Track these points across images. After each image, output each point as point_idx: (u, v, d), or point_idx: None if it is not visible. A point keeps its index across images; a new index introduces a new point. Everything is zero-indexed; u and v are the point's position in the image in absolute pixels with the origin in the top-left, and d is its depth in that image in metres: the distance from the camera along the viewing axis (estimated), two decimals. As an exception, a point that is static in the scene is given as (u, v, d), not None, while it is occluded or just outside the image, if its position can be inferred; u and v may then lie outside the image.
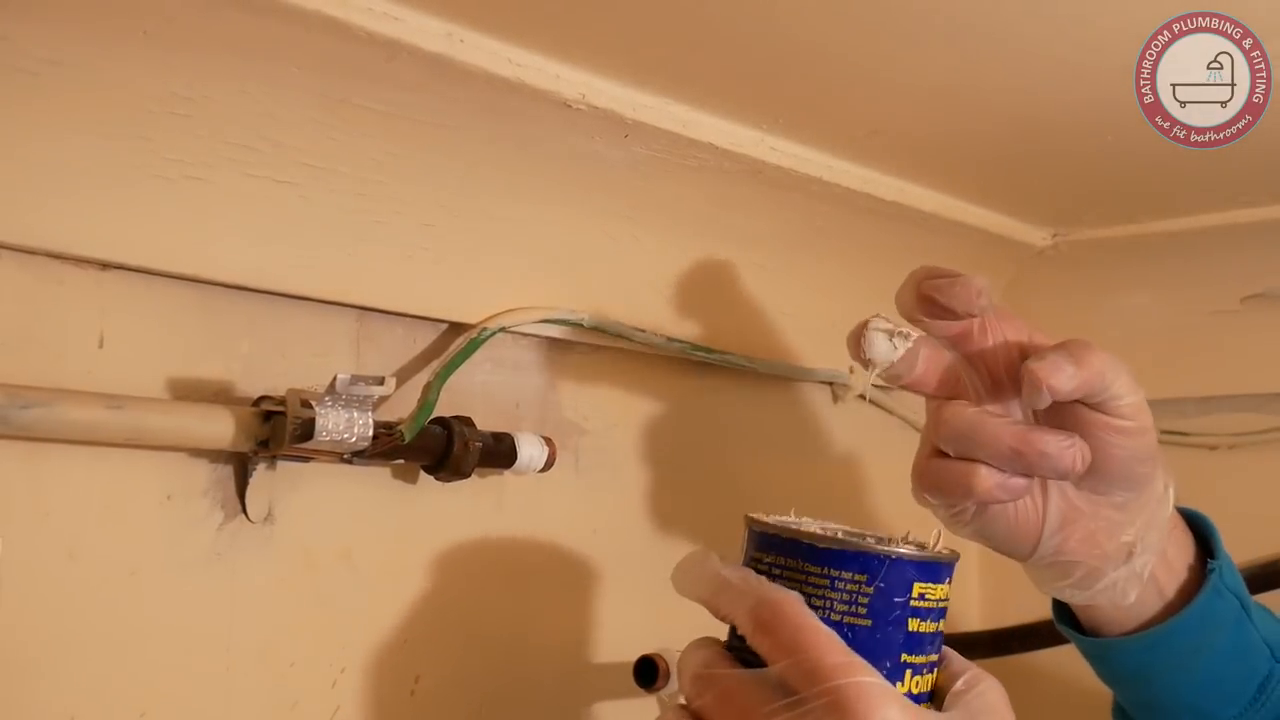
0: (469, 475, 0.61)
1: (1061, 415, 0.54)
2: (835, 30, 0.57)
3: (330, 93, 0.54)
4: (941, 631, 0.48)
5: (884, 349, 0.53)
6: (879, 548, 0.46)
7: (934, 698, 0.48)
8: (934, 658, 0.48)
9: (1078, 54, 0.60)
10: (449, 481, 0.61)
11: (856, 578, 0.45)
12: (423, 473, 0.62)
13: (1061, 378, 0.52)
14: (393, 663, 0.61)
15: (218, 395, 0.55)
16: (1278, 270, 0.87)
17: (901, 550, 0.46)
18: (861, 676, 0.43)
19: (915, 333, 0.54)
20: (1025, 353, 0.54)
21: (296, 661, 0.57)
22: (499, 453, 0.63)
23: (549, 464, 0.64)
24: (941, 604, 0.47)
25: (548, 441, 0.65)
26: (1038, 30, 0.57)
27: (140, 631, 0.52)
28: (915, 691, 0.46)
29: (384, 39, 0.51)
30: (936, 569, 0.47)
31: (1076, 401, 0.53)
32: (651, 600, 0.74)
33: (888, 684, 0.44)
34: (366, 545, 0.61)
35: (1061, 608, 0.63)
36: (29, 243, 0.50)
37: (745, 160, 0.68)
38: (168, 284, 0.54)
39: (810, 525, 0.49)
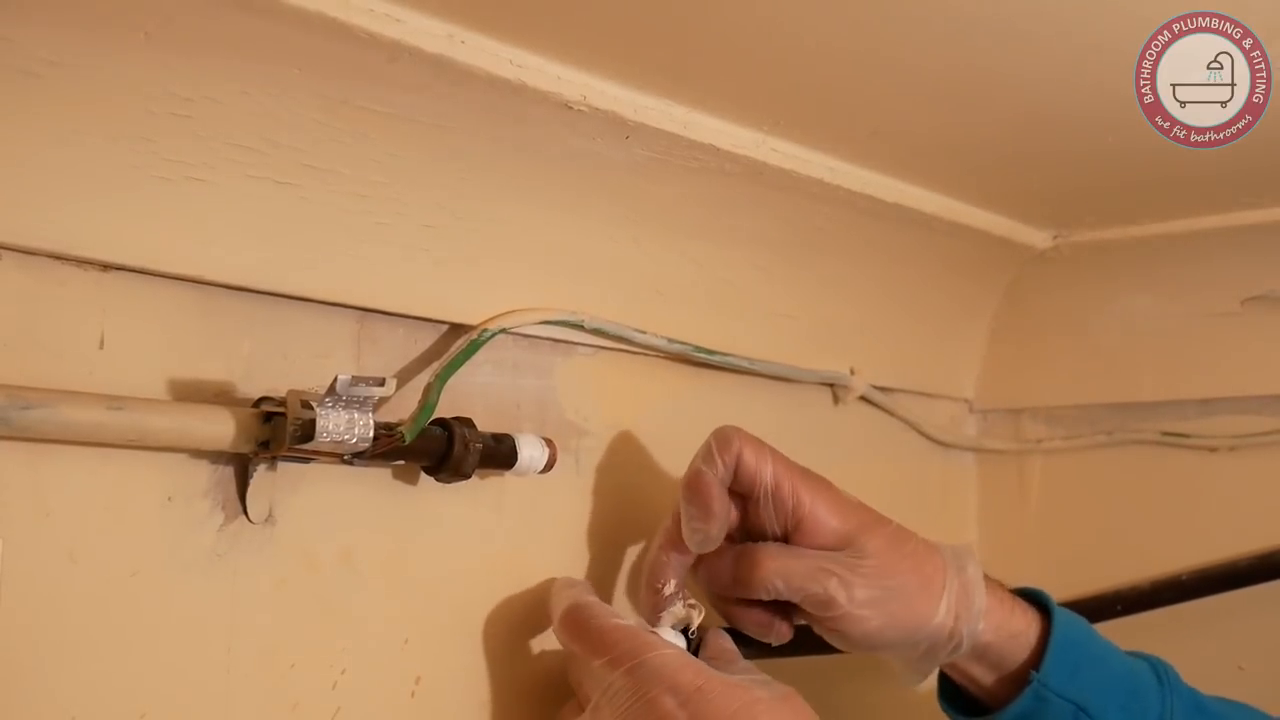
0: (469, 476, 0.61)
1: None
2: (836, 32, 0.57)
3: (331, 94, 0.54)
4: None
5: (666, 630, 0.66)
6: None
7: None
8: None
9: (1078, 54, 0.60)
10: (449, 483, 0.61)
11: None
12: (423, 474, 0.62)
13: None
14: (393, 663, 0.61)
15: (218, 396, 0.55)
16: (1278, 272, 0.87)
17: None
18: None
19: (697, 624, 0.67)
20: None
21: (297, 662, 0.57)
22: (499, 454, 0.63)
23: (549, 465, 0.64)
24: None
25: (548, 443, 0.65)
26: (1038, 31, 0.57)
27: (141, 632, 0.52)
28: None
29: (385, 40, 0.51)
30: None
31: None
32: (652, 601, 0.74)
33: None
34: (367, 546, 0.61)
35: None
36: (30, 244, 0.50)
37: (746, 162, 0.69)
38: (169, 285, 0.54)
39: None
